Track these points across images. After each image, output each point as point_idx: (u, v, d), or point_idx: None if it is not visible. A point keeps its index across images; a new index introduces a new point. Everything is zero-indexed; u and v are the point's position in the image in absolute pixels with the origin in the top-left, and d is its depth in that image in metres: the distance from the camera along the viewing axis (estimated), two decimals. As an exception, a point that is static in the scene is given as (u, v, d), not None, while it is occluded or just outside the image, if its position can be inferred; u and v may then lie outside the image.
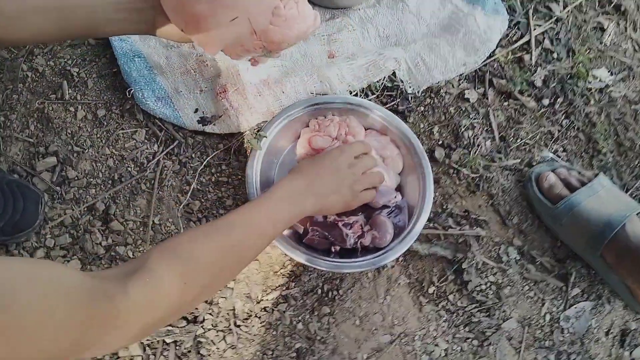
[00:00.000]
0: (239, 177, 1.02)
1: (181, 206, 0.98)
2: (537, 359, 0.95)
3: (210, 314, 0.91)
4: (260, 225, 0.73)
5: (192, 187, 0.99)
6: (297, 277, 0.95)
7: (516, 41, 1.20)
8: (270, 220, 0.75)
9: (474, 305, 0.96)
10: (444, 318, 0.95)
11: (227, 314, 0.92)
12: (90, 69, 1.06)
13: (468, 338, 0.95)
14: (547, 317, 0.98)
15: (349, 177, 0.87)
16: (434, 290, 0.97)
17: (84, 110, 1.02)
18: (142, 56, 1.06)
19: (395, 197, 0.98)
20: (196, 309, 0.91)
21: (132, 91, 1.02)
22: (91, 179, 0.98)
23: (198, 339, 0.89)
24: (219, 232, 0.68)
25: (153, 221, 0.96)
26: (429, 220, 1.02)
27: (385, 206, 0.98)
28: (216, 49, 0.79)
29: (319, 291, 0.95)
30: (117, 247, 0.93)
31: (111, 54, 1.07)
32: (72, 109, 1.02)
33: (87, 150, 0.99)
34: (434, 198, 1.03)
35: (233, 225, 0.70)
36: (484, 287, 0.98)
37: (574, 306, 0.99)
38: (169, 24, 0.78)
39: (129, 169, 1.00)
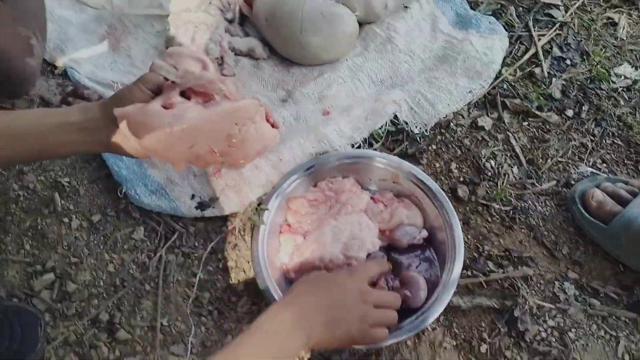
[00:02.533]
0: (247, 259, 0.91)
1: (190, 301, 0.87)
2: (627, 413, 0.77)
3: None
4: None
5: (198, 278, 0.89)
6: (327, 359, 0.82)
7: (522, 56, 1.09)
8: None
9: (537, 358, 0.80)
10: (505, 380, 0.79)
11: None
12: (82, 176, 1.00)
13: (538, 399, 0.78)
14: (627, 358, 0.80)
15: (358, 309, 0.70)
16: (486, 349, 0.81)
17: (79, 219, 0.95)
18: (131, 152, 0.99)
19: (420, 232, 0.86)
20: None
21: (124, 190, 0.95)
22: (92, 289, 0.89)
23: None
24: None
25: (161, 323, 0.86)
26: (466, 268, 0.88)
27: (412, 248, 0.86)
28: (182, 167, 0.76)
29: (354, 372, 0.81)
30: (125, 359, 0.83)
31: (101, 158, 1.01)
32: (66, 219, 0.95)
33: (85, 260, 0.91)
34: (466, 242, 0.90)
35: None
36: (544, 334, 0.81)
37: (657, 339, 0.81)
38: (127, 143, 0.73)
39: (131, 271, 0.91)
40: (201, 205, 0.94)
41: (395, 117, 1.01)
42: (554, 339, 0.81)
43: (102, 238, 0.94)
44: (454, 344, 0.83)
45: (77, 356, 0.84)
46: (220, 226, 0.95)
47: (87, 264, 0.91)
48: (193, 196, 0.95)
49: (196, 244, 0.93)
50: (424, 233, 0.87)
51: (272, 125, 0.80)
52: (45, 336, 0.84)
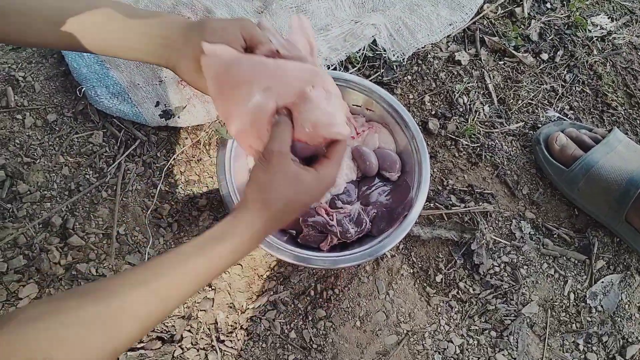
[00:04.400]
0: (212, 174, 0.86)
1: (149, 211, 0.82)
2: (564, 345, 0.78)
3: (188, 330, 0.75)
4: (178, 294, 0.47)
5: (158, 189, 0.83)
6: (286, 278, 0.80)
7: (505, -7, 1.03)
8: (194, 281, 0.48)
9: (488, 291, 0.80)
10: (456, 309, 0.79)
11: (208, 328, 0.76)
12: (37, 72, 0.90)
13: (485, 329, 0.78)
14: (572, 297, 0.81)
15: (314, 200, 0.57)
16: (441, 279, 0.81)
17: (33, 117, 0.86)
18: (92, 50, 0.89)
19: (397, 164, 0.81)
20: (172, 326, 0.75)
21: (83, 89, 0.86)
22: (45, 192, 0.82)
23: (177, 362, 0.74)
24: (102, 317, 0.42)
25: (118, 232, 0.80)
26: (429, 199, 0.85)
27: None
28: (234, 127, 0.57)
29: (312, 292, 0.79)
30: (77, 265, 0.77)
31: (59, 54, 0.91)
32: (19, 116, 0.86)
33: (38, 160, 0.83)
34: (432, 174, 0.87)
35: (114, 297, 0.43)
36: (497, 269, 0.81)
37: (600, 281, 0.82)
38: (194, 77, 0.59)
39: (87, 176, 0.84)
40: (165, 114, 0.86)
41: (374, 42, 0.95)
42: (506, 274, 0.81)
43: (57, 139, 0.85)
44: (411, 271, 0.81)
45: (26, 259, 0.78)
46: (184, 138, 0.88)
47: (41, 164, 0.83)
48: (158, 103, 0.87)
49: (158, 154, 0.86)
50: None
51: None
52: (-8, 235, 0.77)
